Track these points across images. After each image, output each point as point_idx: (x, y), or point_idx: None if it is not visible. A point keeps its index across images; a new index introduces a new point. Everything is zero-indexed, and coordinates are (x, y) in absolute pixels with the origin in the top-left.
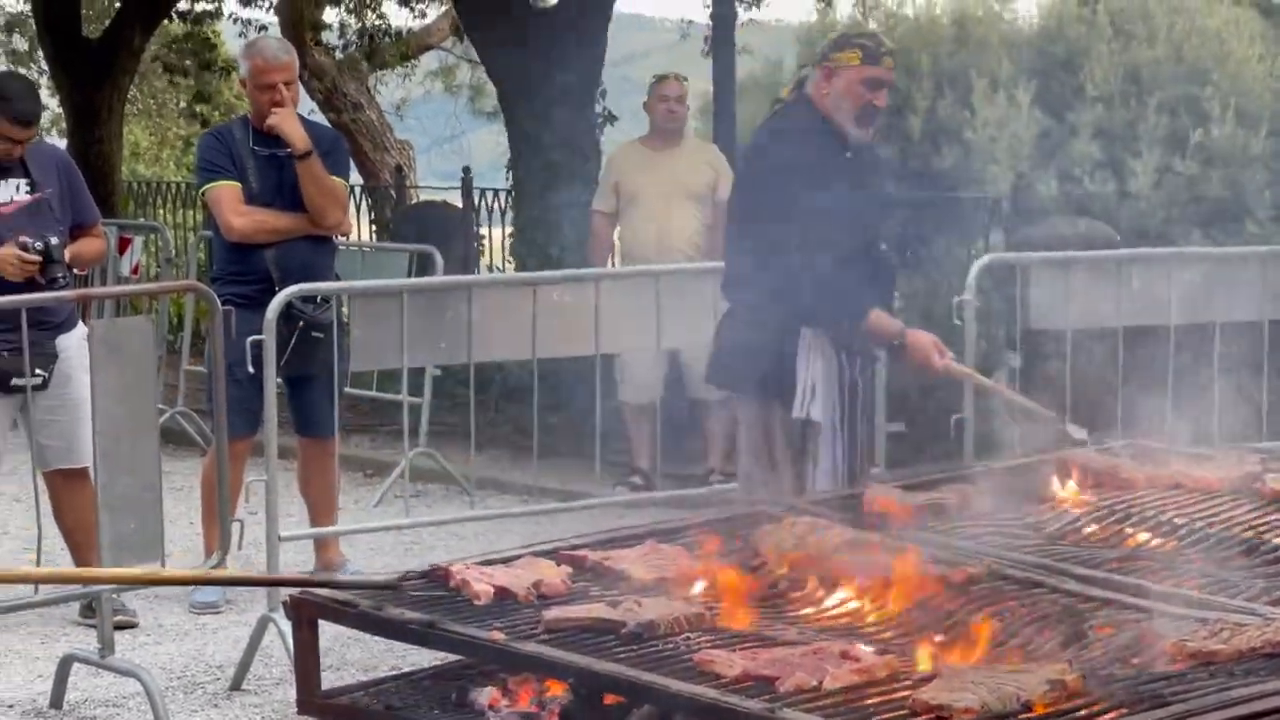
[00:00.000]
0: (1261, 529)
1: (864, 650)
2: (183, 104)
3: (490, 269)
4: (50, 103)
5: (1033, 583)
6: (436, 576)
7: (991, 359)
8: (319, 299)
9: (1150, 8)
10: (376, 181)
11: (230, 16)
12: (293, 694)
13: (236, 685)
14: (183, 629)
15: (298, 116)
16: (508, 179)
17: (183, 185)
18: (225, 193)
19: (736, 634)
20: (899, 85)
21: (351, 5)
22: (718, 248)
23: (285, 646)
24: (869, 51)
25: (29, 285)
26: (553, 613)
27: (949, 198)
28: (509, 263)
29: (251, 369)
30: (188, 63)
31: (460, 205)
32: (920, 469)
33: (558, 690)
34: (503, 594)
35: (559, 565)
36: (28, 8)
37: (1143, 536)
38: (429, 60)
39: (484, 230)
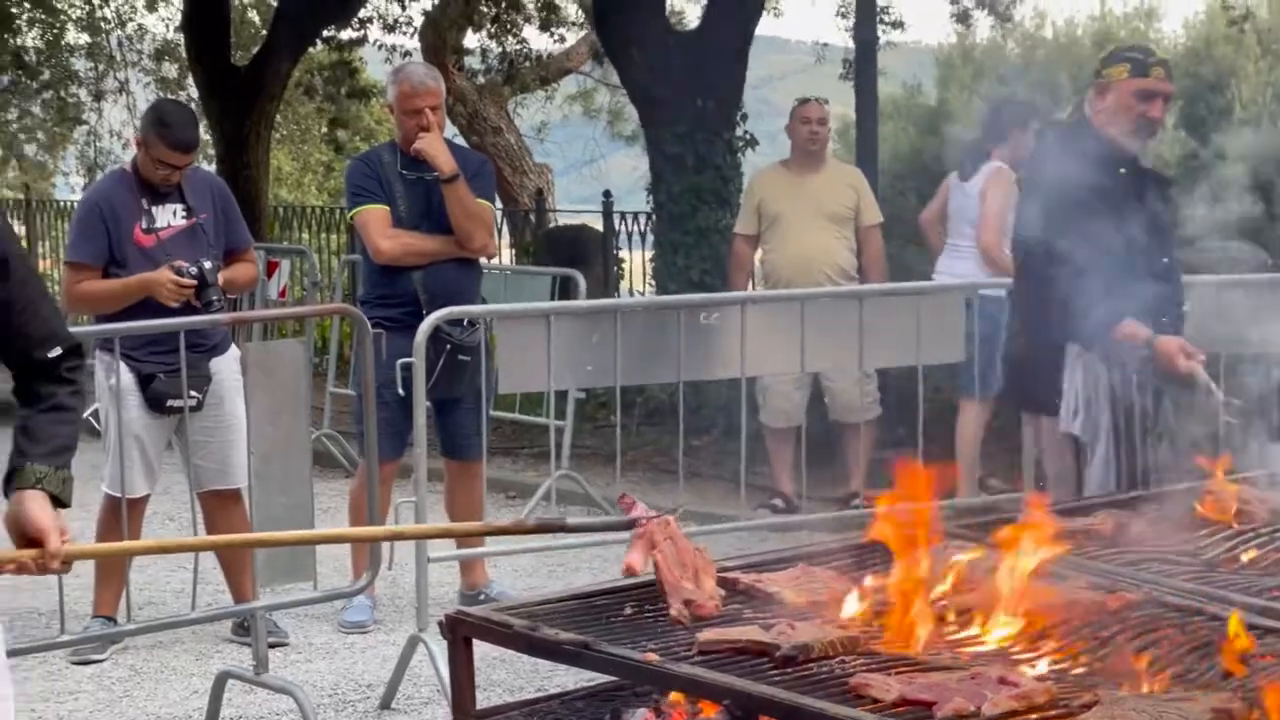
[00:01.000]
0: None
1: (1023, 675)
2: (324, 130)
3: (630, 292)
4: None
5: (1192, 610)
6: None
7: None
8: (465, 322)
9: None
10: (515, 205)
11: (375, 43)
12: (442, 713)
13: (386, 704)
14: (332, 648)
15: (444, 141)
16: (647, 202)
17: (325, 209)
18: (374, 216)
19: (891, 658)
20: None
21: (492, 30)
22: (865, 271)
23: (434, 666)
24: (1137, 63)
25: (184, 309)
26: (706, 634)
27: None
28: (649, 285)
29: (401, 391)
30: (331, 88)
31: (599, 228)
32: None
33: (710, 711)
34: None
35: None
36: (177, 35)
37: None
38: (567, 84)
39: (623, 253)
